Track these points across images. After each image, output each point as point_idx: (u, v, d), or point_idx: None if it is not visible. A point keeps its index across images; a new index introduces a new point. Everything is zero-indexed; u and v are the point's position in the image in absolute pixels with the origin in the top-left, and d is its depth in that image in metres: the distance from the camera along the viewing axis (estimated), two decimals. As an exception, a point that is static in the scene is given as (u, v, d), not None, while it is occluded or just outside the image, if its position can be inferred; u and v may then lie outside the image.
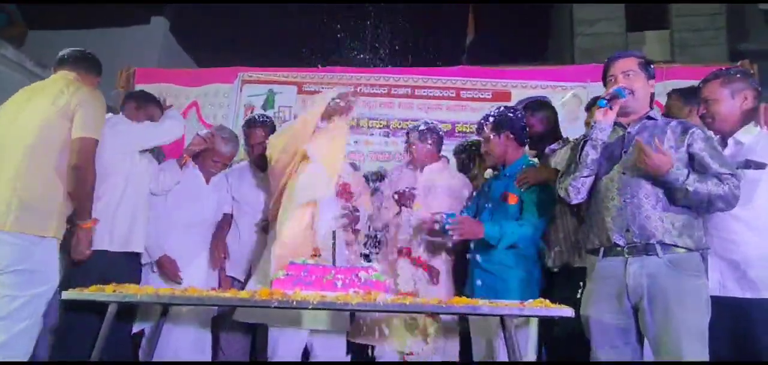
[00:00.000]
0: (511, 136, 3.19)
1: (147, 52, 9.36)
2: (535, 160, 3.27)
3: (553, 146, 3.21)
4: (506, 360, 2.80)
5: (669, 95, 3.36)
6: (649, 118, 2.59)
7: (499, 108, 3.31)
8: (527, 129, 3.28)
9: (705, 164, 2.39)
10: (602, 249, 2.52)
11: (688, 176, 2.34)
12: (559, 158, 3.14)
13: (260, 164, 3.64)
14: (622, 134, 2.61)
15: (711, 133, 2.53)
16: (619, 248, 2.45)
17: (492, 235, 2.98)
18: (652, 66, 2.64)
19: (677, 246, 2.36)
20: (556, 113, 3.60)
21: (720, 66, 3.03)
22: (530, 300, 2.57)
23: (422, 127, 3.59)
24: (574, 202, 2.67)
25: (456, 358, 3.32)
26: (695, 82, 3.01)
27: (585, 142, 2.62)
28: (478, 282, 3.09)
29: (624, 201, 2.46)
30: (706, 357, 2.26)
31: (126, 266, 3.25)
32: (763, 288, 2.45)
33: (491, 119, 3.24)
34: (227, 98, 5.20)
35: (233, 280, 3.64)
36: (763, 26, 10.50)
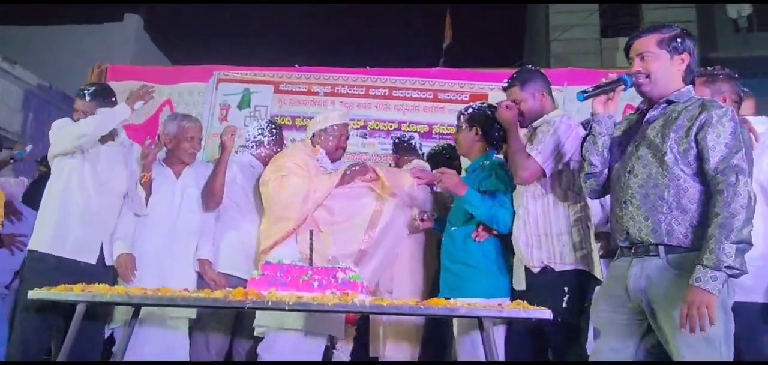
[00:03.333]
0: (480, 132, 3.20)
1: (120, 50, 9.22)
2: (500, 157, 3.23)
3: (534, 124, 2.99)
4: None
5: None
6: (669, 102, 2.30)
7: (481, 104, 3.32)
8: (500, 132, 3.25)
9: (705, 157, 2.12)
10: (618, 249, 2.39)
11: (719, 262, 1.98)
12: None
13: None
14: (640, 119, 2.41)
15: (726, 115, 2.15)
16: (625, 249, 2.33)
17: (471, 198, 2.97)
18: (681, 39, 2.30)
19: (681, 247, 2.15)
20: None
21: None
22: (507, 301, 2.56)
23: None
24: (595, 199, 2.57)
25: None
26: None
27: (586, 136, 2.50)
28: (442, 285, 3.14)
29: (625, 202, 2.30)
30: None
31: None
32: (747, 291, 2.42)
33: (469, 111, 3.27)
34: (202, 96, 5.14)
35: (230, 277, 3.48)
36: (732, 35, 10.74)
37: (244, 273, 3.41)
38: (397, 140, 4.01)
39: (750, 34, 10.72)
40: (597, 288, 2.81)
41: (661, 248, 2.18)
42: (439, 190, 3.41)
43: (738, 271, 2.00)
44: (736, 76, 2.68)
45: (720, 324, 2.02)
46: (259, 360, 3.24)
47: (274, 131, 3.81)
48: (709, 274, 1.98)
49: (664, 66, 2.30)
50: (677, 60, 2.30)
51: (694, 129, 2.15)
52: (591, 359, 2.41)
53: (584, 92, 2.39)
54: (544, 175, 2.81)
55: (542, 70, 3.16)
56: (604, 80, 2.39)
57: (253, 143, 3.79)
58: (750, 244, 2.01)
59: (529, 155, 2.80)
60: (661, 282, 2.15)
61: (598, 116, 2.40)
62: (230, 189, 3.56)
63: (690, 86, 2.33)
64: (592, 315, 2.45)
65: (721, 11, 10.90)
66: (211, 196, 3.50)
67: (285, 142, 4.04)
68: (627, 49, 2.42)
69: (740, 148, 2.09)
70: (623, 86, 2.35)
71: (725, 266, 1.97)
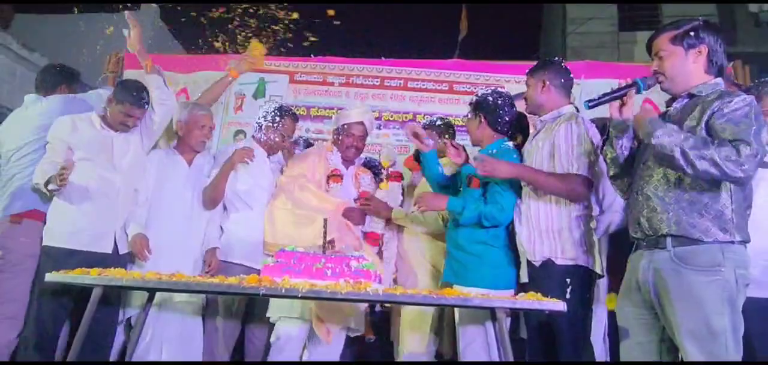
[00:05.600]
0: (484, 120, 3.16)
1: (136, 38, 9.23)
2: (510, 144, 3.18)
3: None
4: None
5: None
6: (691, 95, 2.29)
7: (487, 90, 3.26)
8: (507, 118, 3.19)
9: (714, 132, 2.10)
10: (634, 242, 2.41)
11: (654, 133, 2.10)
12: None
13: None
14: (664, 114, 2.40)
15: (740, 100, 2.12)
16: (639, 241, 2.36)
17: (454, 207, 3.05)
18: (695, 33, 2.29)
19: (687, 238, 2.14)
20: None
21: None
22: (512, 293, 2.55)
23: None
24: (624, 200, 2.59)
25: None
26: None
27: (604, 140, 2.53)
28: (446, 270, 3.16)
29: (636, 194, 2.34)
30: (725, 359, 2.03)
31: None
32: (757, 285, 2.38)
33: (474, 99, 3.24)
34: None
35: (237, 265, 3.45)
36: (753, 29, 10.58)
37: (248, 261, 3.46)
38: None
39: (771, 29, 10.56)
40: (598, 282, 2.88)
41: (668, 239, 2.19)
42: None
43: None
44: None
45: (725, 317, 2.04)
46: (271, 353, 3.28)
47: (278, 117, 3.70)
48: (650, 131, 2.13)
49: (679, 62, 2.30)
50: (693, 54, 2.30)
51: (705, 118, 2.14)
52: (622, 358, 2.40)
53: (590, 101, 2.41)
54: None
55: (563, 64, 3.09)
56: (612, 88, 2.41)
57: (256, 126, 3.76)
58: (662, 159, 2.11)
59: (569, 174, 2.77)
60: (666, 274, 2.16)
61: (614, 121, 2.43)
62: (232, 183, 3.55)
63: (717, 78, 2.30)
64: (617, 313, 2.43)
65: (741, 6, 10.74)
66: (209, 201, 3.52)
67: (298, 131, 4.06)
68: (648, 50, 2.43)
69: (751, 127, 2.04)
70: (636, 90, 2.36)
71: (653, 139, 2.11)
